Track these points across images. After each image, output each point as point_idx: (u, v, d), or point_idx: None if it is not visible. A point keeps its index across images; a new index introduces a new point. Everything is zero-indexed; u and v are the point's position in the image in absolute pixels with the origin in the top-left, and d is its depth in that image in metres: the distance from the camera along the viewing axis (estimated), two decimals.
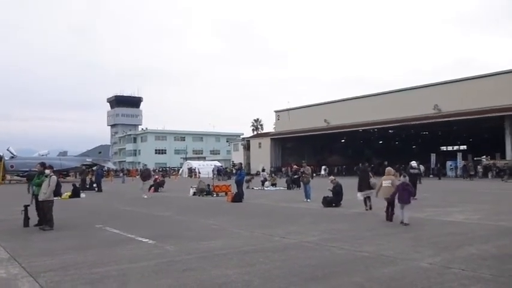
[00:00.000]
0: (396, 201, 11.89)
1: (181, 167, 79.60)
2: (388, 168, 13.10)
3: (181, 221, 13.64)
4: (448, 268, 6.66)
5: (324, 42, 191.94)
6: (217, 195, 23.95)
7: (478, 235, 9.68)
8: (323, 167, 57.75)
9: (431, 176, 45.26)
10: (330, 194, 17.18)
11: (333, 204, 16.67)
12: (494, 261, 7.06)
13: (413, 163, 21.24)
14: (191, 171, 67.60)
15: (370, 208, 14.93)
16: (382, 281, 6.03)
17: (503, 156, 43.81)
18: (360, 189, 15.37)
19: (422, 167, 33.97)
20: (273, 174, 45.97)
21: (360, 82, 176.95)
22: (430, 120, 47.41)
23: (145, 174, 25.48)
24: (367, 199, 15.18)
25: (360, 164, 20.10)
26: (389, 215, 12.25)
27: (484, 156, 48.37)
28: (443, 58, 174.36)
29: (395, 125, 51.42)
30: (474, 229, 10.56)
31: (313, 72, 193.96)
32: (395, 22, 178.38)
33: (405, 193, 11.62)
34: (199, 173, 62.26)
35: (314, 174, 44.13)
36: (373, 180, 15.13)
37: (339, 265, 7.03)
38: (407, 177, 12.70)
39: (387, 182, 12.41)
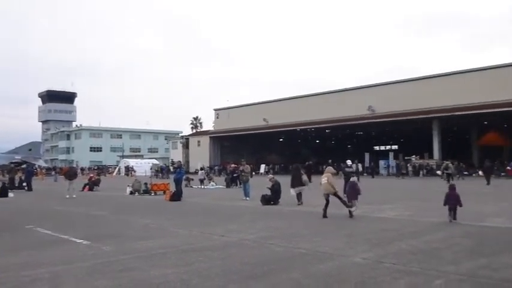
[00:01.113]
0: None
1: (117, 165, 77.51)
2: (329, 167, 13.99)
3: (118, 221, 13.29)
4: (381, 263, 6.93)
5: (264, 43, 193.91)
6: (155, 194, 23.55)
7: (409, 231, 10.15)
8: (262, 166, 58.34)
9: (365, 174, 46.99)
10: (269, 192, 17.40)
11: (272, 202, 16.89)
12: (423, 256, 7.43)
13: (349, 162, 21.96)
14: (128, 169, 65.99)
15: (301, 203, 16.25)
16: (318, 277, 6.18)
17: (430, 156, 46.27)
18: (293, 186, 16.74)
19: (360, 166, 35.36)
20: (210, 174, 45.78)
21: (299, 83, 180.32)
22: (365, 121, 49.16)
23: (70, 173, 24.49)
24: (298, 195, 16.51)
25: (307, 163, 21.02)
26: (325, 211, 12.75)
27: (414, 156, 50.83)
28: (385, 61, 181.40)
29: (332, 125, 52.87)
30: (405, 225, 11.07)
31: (253, 72, 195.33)
32: (337, 25, 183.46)
33: (352, 190, 13.24)
34: (134, 171, 60.99)
35: (253, 173, 44.52)
36: (304, 177, 17.13)
37: (277, 262, 7.13)
38: (355, 177, 14.04)
39: (324, 178, 13.27)
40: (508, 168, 38.18)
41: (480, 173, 35.21)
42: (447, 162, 31.87)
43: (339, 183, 15.31)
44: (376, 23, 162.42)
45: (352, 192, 13.31)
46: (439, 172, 33.59)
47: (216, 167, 59.71)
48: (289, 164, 49.92)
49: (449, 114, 42.47)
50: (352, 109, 48.65)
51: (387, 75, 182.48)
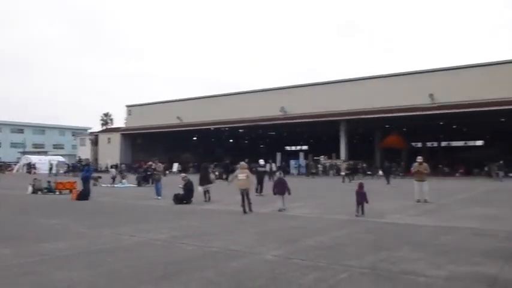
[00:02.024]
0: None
1: (18, 162, 72.35)
2: (242, 163, 15.06)
3: (19, 222, 12.43)
4: (290, 259, 7.18)
5: (178, 40, 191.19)
6: (60, 193, 22.34)
7: (316, 228, 10.59)
8: (175, 164, 57.60)
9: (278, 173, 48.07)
10: (181, 191, 17.27)
11: (184, 201, 16.78)
12: (329, 251, 7.81)
13: (261, 161, 22.39)
14: (30, 166, 61.85)
15: (209, 200, 17.35)
16: (230, 274, 6.25)
17: (338, 156, 48.55)
18: (201, 184, 17.78)
19: (274, 165, 36.32)
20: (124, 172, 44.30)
21: (214, 83, 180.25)
22: (277, 122, 50.40)
23: None
24: (206, 192, 17.61)
25: (225, 162, 21.81)
26: (244, 207, 13.54)
27: (322, 156, 52.99)
28: (298, 64, 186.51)
29: (245, 124, 53.58)
30: (313, 222, 11.53)
31: (167, 69, 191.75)
32: (253, 26, 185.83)
33: (280, 186, 14.28)
34: (34, 168, 57.37)
35: (167, 172, 43.84)
36: (212, 176, 18.59)
37: (189, 261, 7.10)
38: (282, 173, 15.94)
39: (243, 175, 14.07)
40: (412, 169, 40.84)
41: (380, 173, 37.54)
42: (347, 162, 33.87)
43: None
44: (292, 26, 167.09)
45: (281, 188, 14.24)
46: (342, 173, 35.50)
47: (123, 165, 57.87)
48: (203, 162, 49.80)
49: (356, 117, 44.88)
50: (265, 110, 49.65)
51: (300, 77, 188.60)
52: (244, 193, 13.69)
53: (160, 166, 20.97)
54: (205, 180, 17.95)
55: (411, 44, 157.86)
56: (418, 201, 16.25)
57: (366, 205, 12.68)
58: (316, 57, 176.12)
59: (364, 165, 44.22)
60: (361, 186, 13.09)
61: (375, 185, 27.73)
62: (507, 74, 36.76)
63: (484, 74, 38.26)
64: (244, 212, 13.42)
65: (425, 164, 17.26)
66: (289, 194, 14.32)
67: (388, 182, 30.18)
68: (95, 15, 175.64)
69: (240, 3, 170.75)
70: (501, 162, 37.02)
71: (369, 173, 42.49)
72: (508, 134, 55.38)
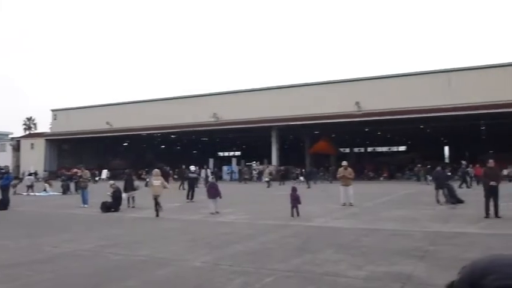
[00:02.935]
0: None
1: None
2: (156, 170, 16.00)
3: None
4: (218, 265, 7.24)
5: (108, 44, 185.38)
6: None
7: (246, 233, 10.72)
8: (104, 171, 55.69)
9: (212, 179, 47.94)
10: (110, 199, 16.79)
11: (112, 209, 16.33)
12: (257, 256, 7.96)
13: (192, 168, 22.30)
14: None
15: (133, 206, 17.60)
16: (156, 283, 6.21)
17: (270, 162, 49.23)
18: (125, 191, 18.04)
19: (209, 171, 36.45)
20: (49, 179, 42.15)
21: (145, 87, 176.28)
22: (209, 128, 50.31)
23: None
24: (130, 198, 17.99)
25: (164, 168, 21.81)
26: (157, 211, 14.52)
27: (255, 162, 53.52)
28: (232, 70, 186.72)
29: (177, 130, 52.98)
30: (243, 228, 11.66)
31: (93, 73, 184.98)
32: (183, 28, 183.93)
33: (212, 190, 15.17)
34: None
35: (96, 179, 42.35)
36: (136, 182, 19.11)
37: (114, 271, 6.96)
38: (214, 178, 17.34)
39: (157, 181, 15.22)
40: (337, 174, 42.23)
41: (301, 178, 38.30)
42: (269, 168, 34.55)
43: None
44: (221, 29, 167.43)
45: (213, 192, 15.10)
46: (266, 179, 35.96)
47: (45, 172, 55.07)
48: (137, 169, 48.62)
49: (286, 123, 45.83)
50: (198, 115, 49.40)
51: (232, 83, 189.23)
52: (157, 198, 14.69)
53: (87, 173, 20.21)
54: (129, 187, 18.39)
55: (346, 52, 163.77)
56: (344, 204, 16.87)
57: (288, 211, 13.48)
58: (248, 63, 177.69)
59: (303, 170, 45.35)
60: (294, 189, 14.17)
61: (300, 189, 28.47)
62: (427, 84, 39.12)
63: (405, 83, 40.50)
64: (157, 215, 14.34)
65: (350, 169, 17.98)
66: (220, 197, 15.21)
67: (309, 186, 31.24)
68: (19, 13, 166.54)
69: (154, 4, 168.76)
70: (429, 166, 39.03)
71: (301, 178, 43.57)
72: (427, 139, 59.04)
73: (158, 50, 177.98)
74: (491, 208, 12.65)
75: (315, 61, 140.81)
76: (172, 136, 61.14)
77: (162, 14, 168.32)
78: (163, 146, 72.37)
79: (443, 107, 37.34)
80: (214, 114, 49.07)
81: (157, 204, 14.66)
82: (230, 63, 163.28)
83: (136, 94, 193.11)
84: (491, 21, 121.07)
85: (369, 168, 50.55)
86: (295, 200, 13.80)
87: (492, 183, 12.72)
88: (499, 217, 12.47)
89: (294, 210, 13.64)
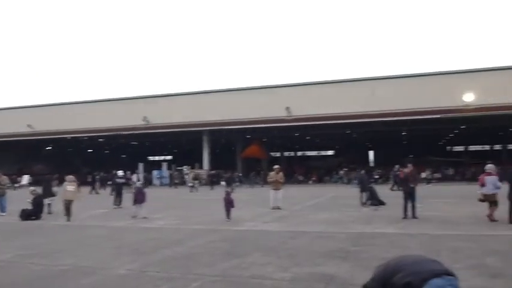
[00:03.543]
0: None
1: None
2: (70, 176, 15.98)
3: None
4: (144, 272, 7.13)
5: (39, 42, 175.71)
6: None
7: (174, 238, 10.62)
8: (25, 176, 52.66)
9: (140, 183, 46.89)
10: (30, 206, 15.94)
11: (33, 217, 15.51)
12: (185, 261, 7.92)
13: (120, 173, 21.71)
14: None
15: (51, 213, 17.18)
16: None
17: (201, 166, 49.01)
18: (44, 196, 17.46)
19: (141, 176, 35.75)
20: None
21: (69, 89, 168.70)
22: (139, 131, 49.21)
23: None
24: (49, 205, 17.57)
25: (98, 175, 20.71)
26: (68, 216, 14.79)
27: (186, 166, 53.02)
28: (164, 74, 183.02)
29: (105, 134, 51.33)
30: (172, 233, 11.55)
31: (17, 72, 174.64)
32: (112, 29, 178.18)
33: (140, 195, 15.24)
34: None
35: (16, 185, 40.03)
36: (55, 188, 19.02)
37: (35, 282, 6.66)
38: (142, 183, 17.57)
39: (71, 187, 15.40)
40: (269, 178, 42.84)
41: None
42: (195, 172, 34.53)
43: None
44: (154, 33, 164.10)
45: (140, 198, 15.22)
46: (190, 184, 35.73)
47: None
48: (62, 174, 46.41)
49: (218, 128, 45.90)
50: (128, 119, 48.14)
51: (163, 87, 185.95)
52: (70, 204, 14.96)
53: (4, 179, 19.02)
54: (48, 193, 18.03)
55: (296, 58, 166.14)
56: (273, 208, 17.17)
57: (221, 214, 13.68)
58: (181, 66, 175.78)
59: (240, 174, 45.64)
60: (228, 193, 14.64)
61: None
62: (353, 91, 40.72)
63: (333, 90, 41.93)
64: (68, 220, 14.64)
65: (281, 173, 18.33)
66: (144, 202, 15.41)
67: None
68: None
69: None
70: (363, 171, 40.47)
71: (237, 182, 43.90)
72: (354, 144, 61.50)
73: (91, 49, 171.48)
74: (409, 209, 13.45)
75: (249, 66, 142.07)
76: (100, 140, 59.17)
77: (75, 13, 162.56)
78: (90, 150, 69.87)
79: (368, 113, 39.12)
80: (145, 117, 48.07)
81: (68, 210, 14.86)
82: (170, 65, 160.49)
83: (64, 96, 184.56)
84: (413, 32, 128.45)
85: (299, 172, 51.79)
86: (229, 204, 14.14)
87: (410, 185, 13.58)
88: (416, 218, 13.27)
89: (227, 213, 14.00)
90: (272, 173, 18.50)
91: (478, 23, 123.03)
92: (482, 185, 12.92)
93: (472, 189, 27.86)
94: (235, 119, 43.78)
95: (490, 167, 13.25)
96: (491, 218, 12.43)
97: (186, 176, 47.90)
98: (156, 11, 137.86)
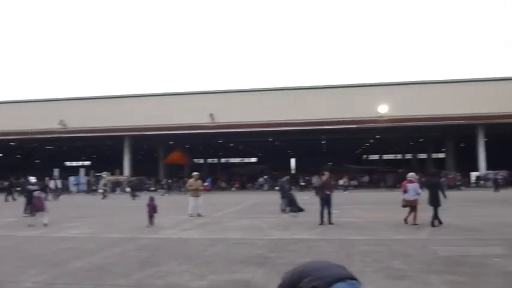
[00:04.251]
0: None
1: None
2: None
3: None
4: (52, 285, 6.76)
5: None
6: None
7: (88, 248, 10.18)
8: None
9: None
10: None
11: None
12: (98, 272, 7.62)
13: (32, 179, 20.44)
14: None
15: None
16: None
17: (121, 172, 47.51)
18: None
19: (59, 182, 34.30)
20: None
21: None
22: (54, 135, 46.76)
23: None
24: None
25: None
26: None
27: (105, 172, 51.14)
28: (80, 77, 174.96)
29: (16, 137, 48.22)
30: (85, 243, 11.05)
31: None
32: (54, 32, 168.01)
33: (39, 203, 14.84)
34: None
35: None
36: None
37: None
38: (41, 191, 16.35)
39: None
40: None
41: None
42: (106, 179, 33.72)
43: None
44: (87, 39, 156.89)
45: (39, 205, 14.81)
46: (100, 190, 34.65)
47: None
48: None
49: (139, 133, 44.83)
50: (43, 121, 45.57)
51: (80, 91, 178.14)
52: None
53: None
54: None
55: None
56: (192, 215, 16.97)
57: (138, 222, 13.60)
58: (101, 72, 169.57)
59: (170, 181, 44.74)
60: (151, 199, 14.56)
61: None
62: (276, 100, 41.58)
63: (256, 98, 42.56)
64: None
65: (199, 181, 18.21)
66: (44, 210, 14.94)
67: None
68: None
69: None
70: (288, 177, 41.06)
71: (153, 188, 42.93)
72: (276, 151, 62.73)
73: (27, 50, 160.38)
74: (326, 216, 13.94)
75: (177, 72, 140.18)
76: (11, 143, 55.42)
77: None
78: (0, 155, 65.31)
79: (290, 121, 40.14)
80: (61, 121, 45.79)
81: None
82: (91, 68, 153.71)
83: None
84: (334, 44, 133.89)
85: (222, 179, 51.85)
86: (152, 210, 14.19)
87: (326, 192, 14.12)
88: (332, 224, 13.77)
89: (151, 219, 14.07)
90: (191, 180, 18.31)
91: (396, 39, 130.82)
92: (405, 191, 13.94)
93: (387, 196, 29.75)
94: (158, 124, 43.02)
95: (411, 175, 14.47)
96: (410, 222, 13.41)
97: (108, 183, 46.19)
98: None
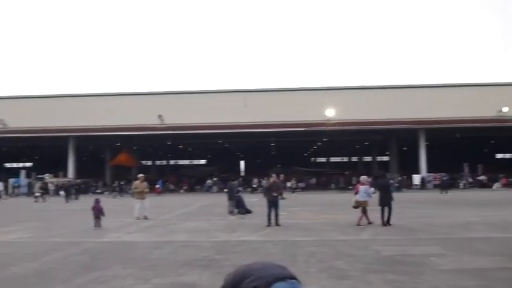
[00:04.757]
0: None
1: None
2: None
3: None
4: None
5: None
6: None
7: (27, 253, 9.76)
8: None
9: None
10: None
11: None
12: (37, 278, 7.34)
13: None
14: None
15: None
16: None
17: (66, 174, 45.91)
18: None
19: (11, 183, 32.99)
20: None
21: None
22: None
23: None
24: None
25: None
26: None
27: (47, 174, 49.23)
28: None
29: None
30: (24, 248, 10.59)
31: None
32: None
33: None
34: None
35: None
36: None
37: None
38: None
39: None
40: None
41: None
42: (41, 182, 32.91)
43: None
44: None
45: None
46: (37, 194, 33.15)
47: None
48: None
49: (84, 134, 43.49)
50: None
51: (22, 89, 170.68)
52: None
53: None
54: None
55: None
56: (138, 218, 16.63)
57: (81, 225, 13.39)
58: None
59: (122, 183, 43.38)
60: (97, 201, 14.32)
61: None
62: (226, 102, 41.55)
63: (206, 99, 42.36)
64: None
65: (145, 183, 17.89)
66: None
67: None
68: None
69: None
70: (240, 179, 40.82)
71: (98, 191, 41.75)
72: (225, 154, 62.64)
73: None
74: (273, 217, 14.08)
75: (125, 72, 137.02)
76: None
77: None
78: None
79: (240, 124, 40.23)
80: (1, 120, 43.66)
81: None
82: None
83: None
84: (284, 47, 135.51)
85: (171, 181, 51.20)
86: (98, 212, 14.00)
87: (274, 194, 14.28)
88: (279, 225, 13.93)
89: (97, 221, 13.88)
90: (136, 182, 17.93)
91: (344, 43, 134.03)
92: (356, 193, 14.63)
93: (334, 198, 30.45)
94: (105, 125, 41.85)
95: (363, 177, 15.39)
96: (365, 222, 13.95)
97: (51, 185, 44.42)
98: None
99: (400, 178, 42.04)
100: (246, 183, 43.67)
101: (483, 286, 6.42)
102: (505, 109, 38.88)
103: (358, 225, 13.74)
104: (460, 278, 6.89)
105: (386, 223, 13.59)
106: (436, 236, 11.66)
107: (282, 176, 15.38)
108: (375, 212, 13.93)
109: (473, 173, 47.97)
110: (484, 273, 7.20)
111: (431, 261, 8.27)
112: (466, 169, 47.13)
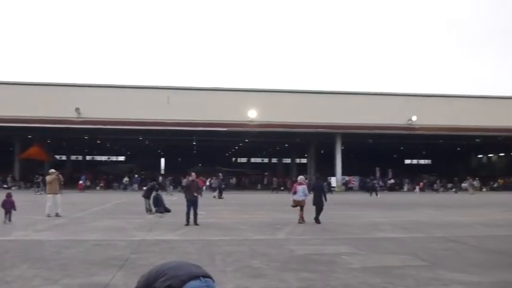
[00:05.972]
0: None
1: None
2: None
3: None
4: None
5: None
6: None
7: None
8: None
9: None
10: None
11: None
12: None
13: None
14: None
15: None
16: None
17: None
18: None
19: None
20: None
21: None
22: None
23: None
24: None
25: None
26: None
27: None
28: None
29: None
30: None
31: None
32: None
33: None
34: None
35: None
36: None
37: None
38: None
39: None
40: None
41: None
42: None
43: None
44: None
45: None
46: None
47: None
48: None
49: None
50: None
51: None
52: None
53: None
54: None
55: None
56: (49, 215, 15.79)
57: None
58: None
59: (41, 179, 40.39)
60: (9, 195, 14.23)
61: None
62: (148, 98, 40.54)
63: (128, 94, 41.05)
64: None
65: (60, 176, 17.06)
66: None
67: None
68: None
69: None
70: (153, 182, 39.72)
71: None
72: (145, 151, 61.26)
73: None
74: (192, 216, 14.03)
75: (49, 60, 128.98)
76: None
77: None
78: None
79: (161, 121, 39.47)
80: None
81: None
82: None
83: None
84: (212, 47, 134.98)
85: (87, 177, 49.07)
86: (10, 206, 13.87)
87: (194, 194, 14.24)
88: (197, 224, 13.90)
89: (8, 216, 13.75)
90: (48, 177, 17.02)
91: (270, 47, 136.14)
92: (294, 192, 15.37)
93: (255, 197, 30.81)
94: (14, 116, 39.12)
95: (300, 178, 16.30)
96: (300, 220, 14.83)
97: None
98: None
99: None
100: (178, 181, 42.42)
101: (388, 283, 6.86)
102: (414, 118, 41.63)
103: (299, 222, 14.63)
104: (368, 276, 7.32)
105: (318, 221, 14.76)
106: (348, 236, 12.25)
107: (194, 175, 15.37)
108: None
109: (384, 176, 51.35)
110: (390, 271, 7.70)
111: (343, 259, 8.70)
112: (378, 173, 50.34)
